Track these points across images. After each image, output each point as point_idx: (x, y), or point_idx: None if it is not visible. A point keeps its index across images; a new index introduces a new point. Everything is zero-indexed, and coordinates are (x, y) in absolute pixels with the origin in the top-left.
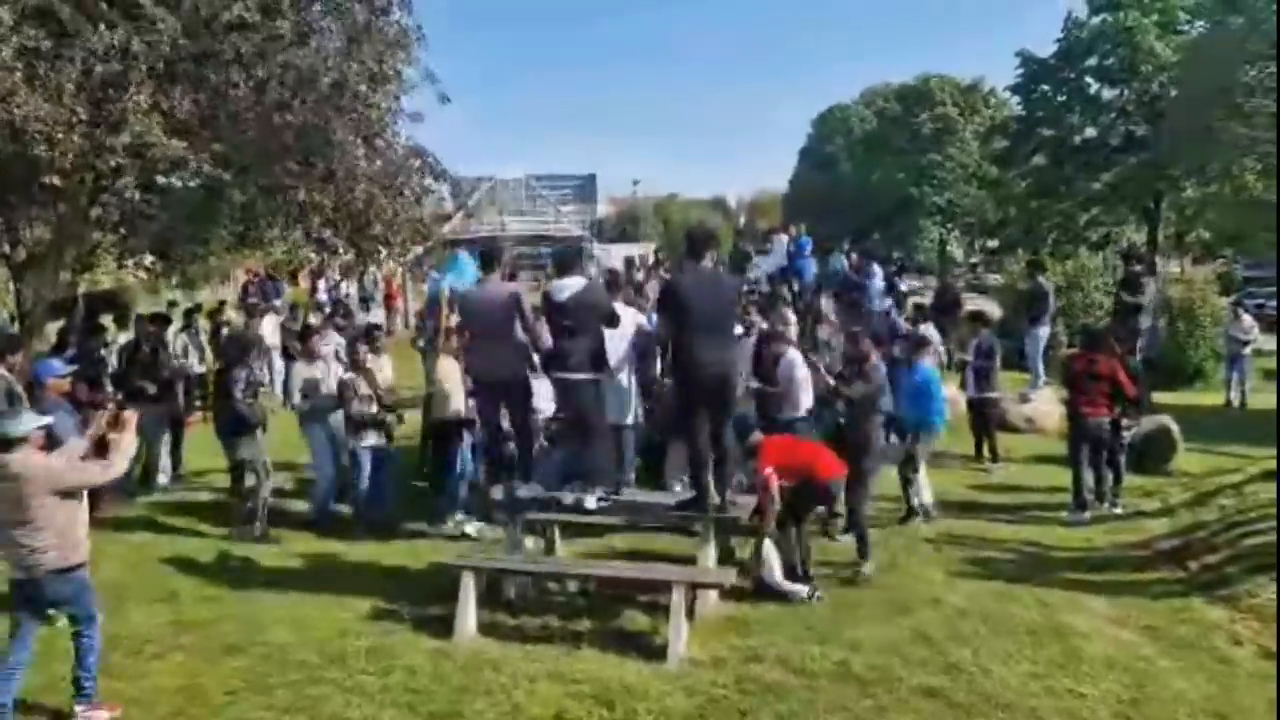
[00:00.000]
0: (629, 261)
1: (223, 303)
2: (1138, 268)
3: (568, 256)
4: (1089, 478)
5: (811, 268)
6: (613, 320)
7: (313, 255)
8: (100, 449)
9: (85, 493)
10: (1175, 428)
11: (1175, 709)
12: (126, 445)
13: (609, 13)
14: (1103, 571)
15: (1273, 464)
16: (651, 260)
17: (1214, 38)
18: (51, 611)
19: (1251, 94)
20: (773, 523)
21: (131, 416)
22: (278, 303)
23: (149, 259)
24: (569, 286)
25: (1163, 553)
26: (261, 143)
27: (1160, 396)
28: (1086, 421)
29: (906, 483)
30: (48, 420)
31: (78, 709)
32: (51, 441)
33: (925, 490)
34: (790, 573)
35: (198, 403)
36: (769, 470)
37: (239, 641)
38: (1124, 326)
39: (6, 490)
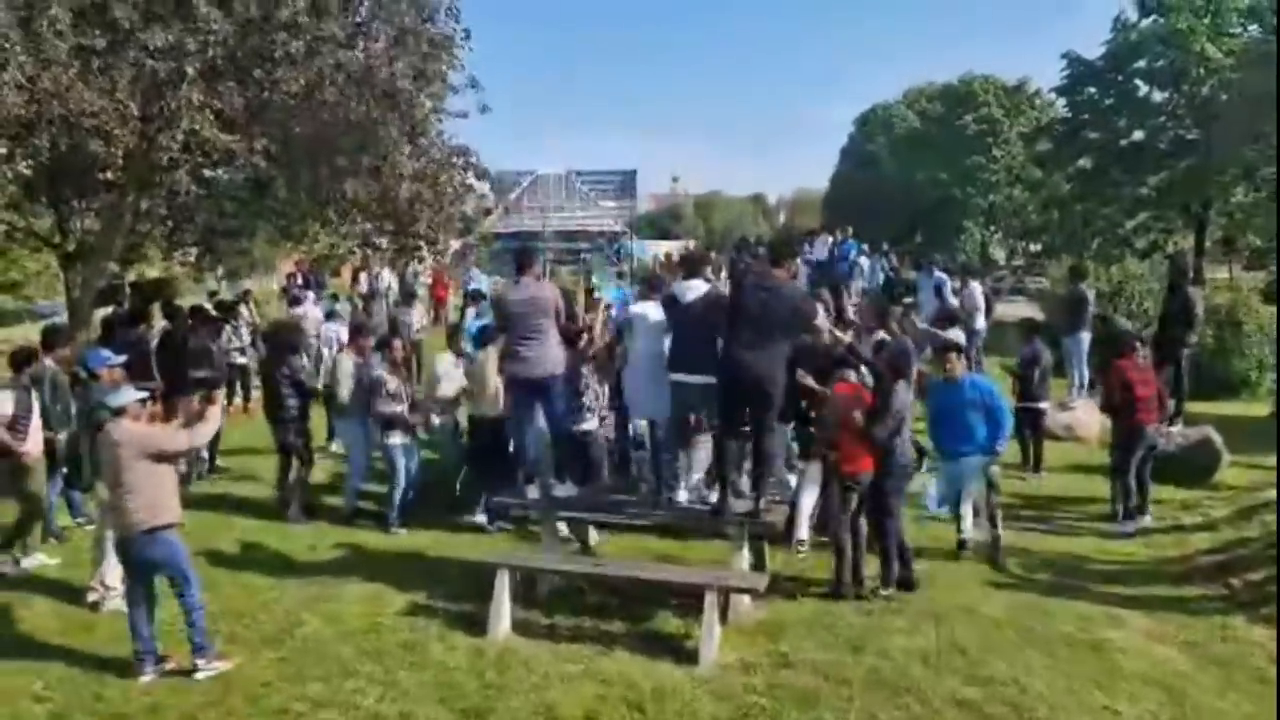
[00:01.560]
0: (669, 258)
1: (247, 292)
2: (1186, 283)
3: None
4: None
5: (854, 271)
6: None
7: (355, 250)
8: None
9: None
10: (1218, 439)
11: None
12: (212, 417)
13: (653, 12)
14: (1142, 585)
15: None
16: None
17: (1265, 42)
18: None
19: None
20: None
21: (219, 394)
22: (310, 295)
23: (194, 251)
24: (694, 289)
25: (1203, 568)
26: (309, 139)
27: (1204, 407)
28: (1145, 429)
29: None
30: (143, 394)
31: (197, 663)
32: None
33: (968, 520)
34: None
35: (238, 395)
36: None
37: (275, 633)
38: (1165, 336)
39: (109, 455)
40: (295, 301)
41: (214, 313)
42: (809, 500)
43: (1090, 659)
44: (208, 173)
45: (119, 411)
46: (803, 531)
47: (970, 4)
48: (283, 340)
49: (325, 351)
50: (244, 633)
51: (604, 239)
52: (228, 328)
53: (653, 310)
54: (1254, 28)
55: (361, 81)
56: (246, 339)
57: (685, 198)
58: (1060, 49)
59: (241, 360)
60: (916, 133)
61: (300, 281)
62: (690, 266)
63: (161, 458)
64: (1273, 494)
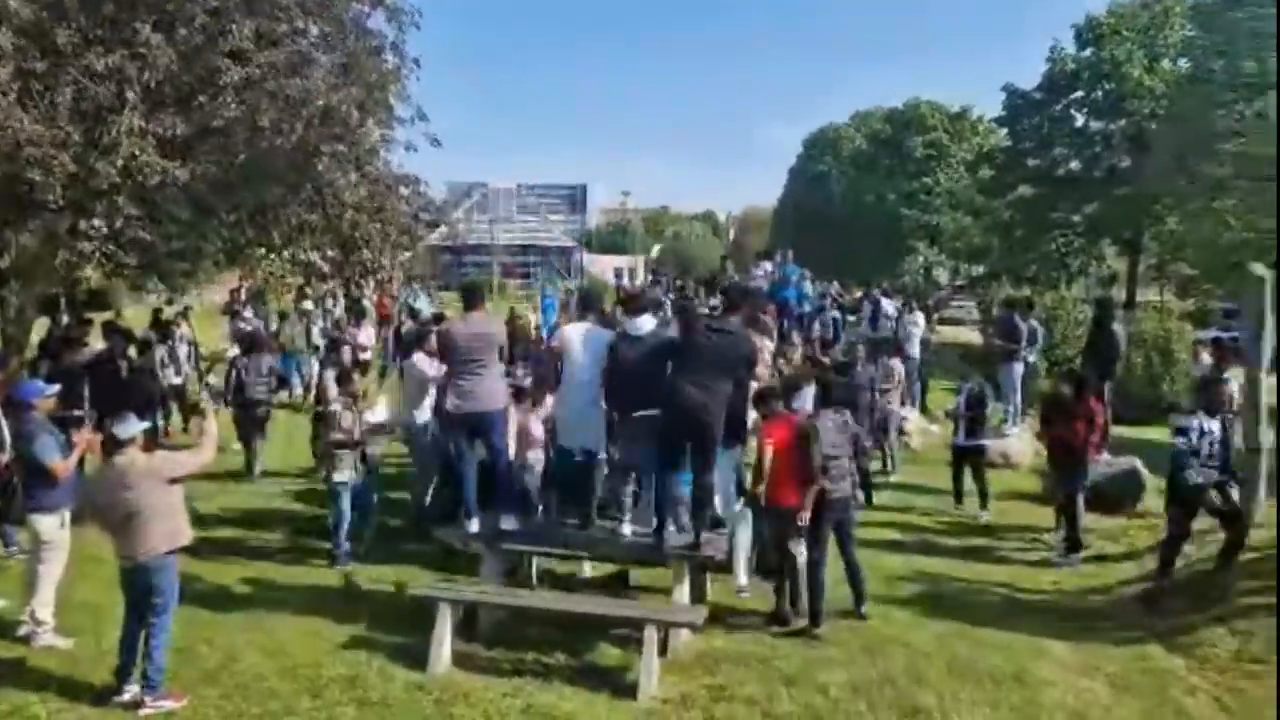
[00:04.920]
0: (618, 272)
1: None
2: (1110, 322)
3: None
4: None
5: (796, 295)
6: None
7: (298, 280)
8: None
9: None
10: (1143, 469)
11: None
12: (211, 431)
13: (606, 27)
14: (1068, 616)
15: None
16: (648, 277)
17: (1193, 84)
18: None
19: (1227, 139)
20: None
21: (209, 403)
22: (251, 310)
23: (133, 272)
24: (643, 326)
25: (1127, 599)
26: (251, 165)
27: (1133, 431)
28: (1086, 461)
29: None
30: (146, 425)
31: (145, 699)
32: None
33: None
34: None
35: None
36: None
37: (214, 669)
38: (1093, 367)
39: (117, 485)
40: (236, 316)
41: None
42: (745, 540)
43: (1015, 691)
44: (149, 196)
45: (128, 442)
46: (742, 578)
47: (920, 29)
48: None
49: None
50: (182, 669)
51: (554, 253)
52: (162, 348)
53: (586, 334)
54: (1184, 61)
55: (301, 106)
56: (184, 357)
57: (635, 213)
58: (1007, 74)
59: (177, 380)
60: (864, 155)
61: (243, 297)
62: (637, 305)
63: (176, 481)
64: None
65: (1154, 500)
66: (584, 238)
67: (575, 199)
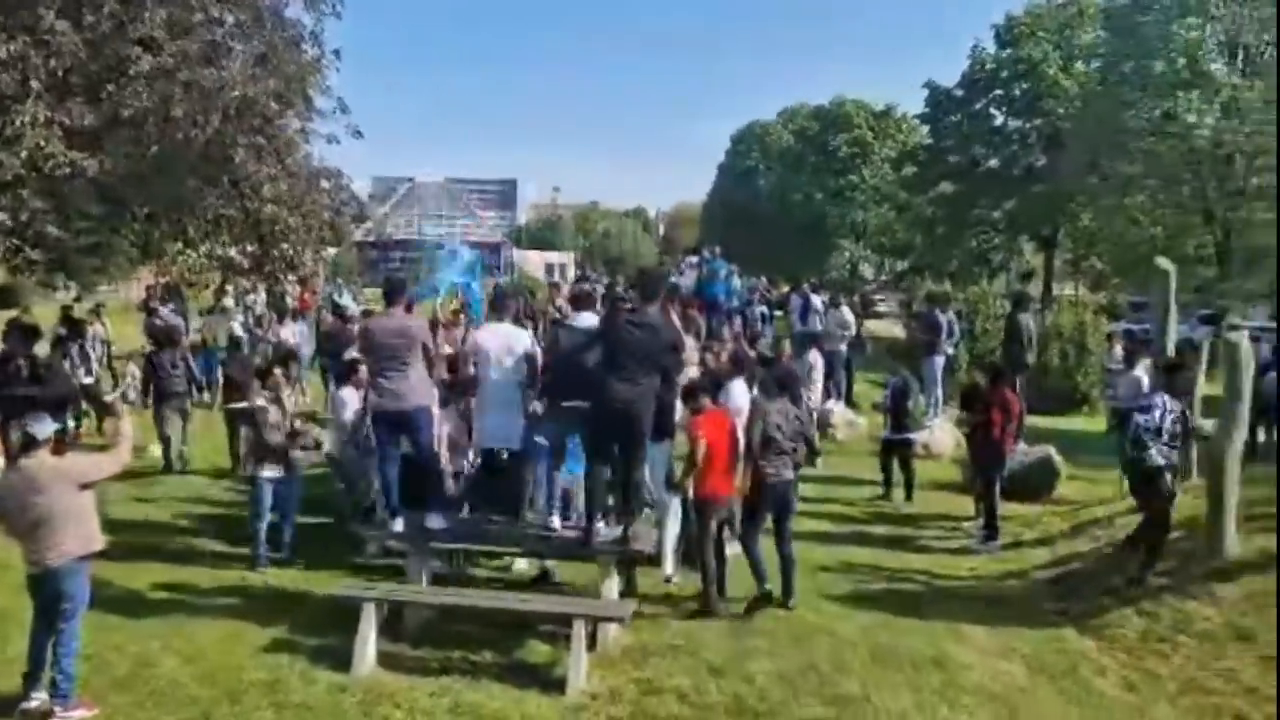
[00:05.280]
0: (549, 268)
1: (99, 306)
2: (1023, 315)
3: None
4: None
5: (724, 290)
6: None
7: (216, 278)
8: None
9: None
10: (1057, 457)
11: None
12: (126, 432)
13: (538, 23)
14: (986, 601)
15: None
16: (576, 274)
17: (1105, 85)
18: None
19: (1137, 138)
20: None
21: (119, 403)
22: (169, 308)
23: (40, 268)
24: (585, 320)
25: (1041, 583)
26: (164, 157)
27: (1047, 422)
28: (1005, 451)
29: None
30: (58, 426)
31: (55, 708)
32: None
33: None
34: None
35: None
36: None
37: (126, 675)
38: (1007, 359)
39: (25, 489)
40: (153, 313)
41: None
42: (673, 531)
43: (935, 674)
44: (56, 189)
45: (41, 443)
46: (669, 568)
47: (847, 26)
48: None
49: None
50: (94, 677)
51: (484, 249)
52: (73, 346)
53: (499, 335)
54: (1096, 62)
55: (215, 96)
56: (96, 357)
57: (566, 209)
58: (932, 71)
59: (88, 380)
60: (791, 152)
61: (160, 294)
62: (579, 302)
63: (89, 485)
64: (1101, 510)
65: (1068, 488)
66: (514, 233)
67: (506, 194)
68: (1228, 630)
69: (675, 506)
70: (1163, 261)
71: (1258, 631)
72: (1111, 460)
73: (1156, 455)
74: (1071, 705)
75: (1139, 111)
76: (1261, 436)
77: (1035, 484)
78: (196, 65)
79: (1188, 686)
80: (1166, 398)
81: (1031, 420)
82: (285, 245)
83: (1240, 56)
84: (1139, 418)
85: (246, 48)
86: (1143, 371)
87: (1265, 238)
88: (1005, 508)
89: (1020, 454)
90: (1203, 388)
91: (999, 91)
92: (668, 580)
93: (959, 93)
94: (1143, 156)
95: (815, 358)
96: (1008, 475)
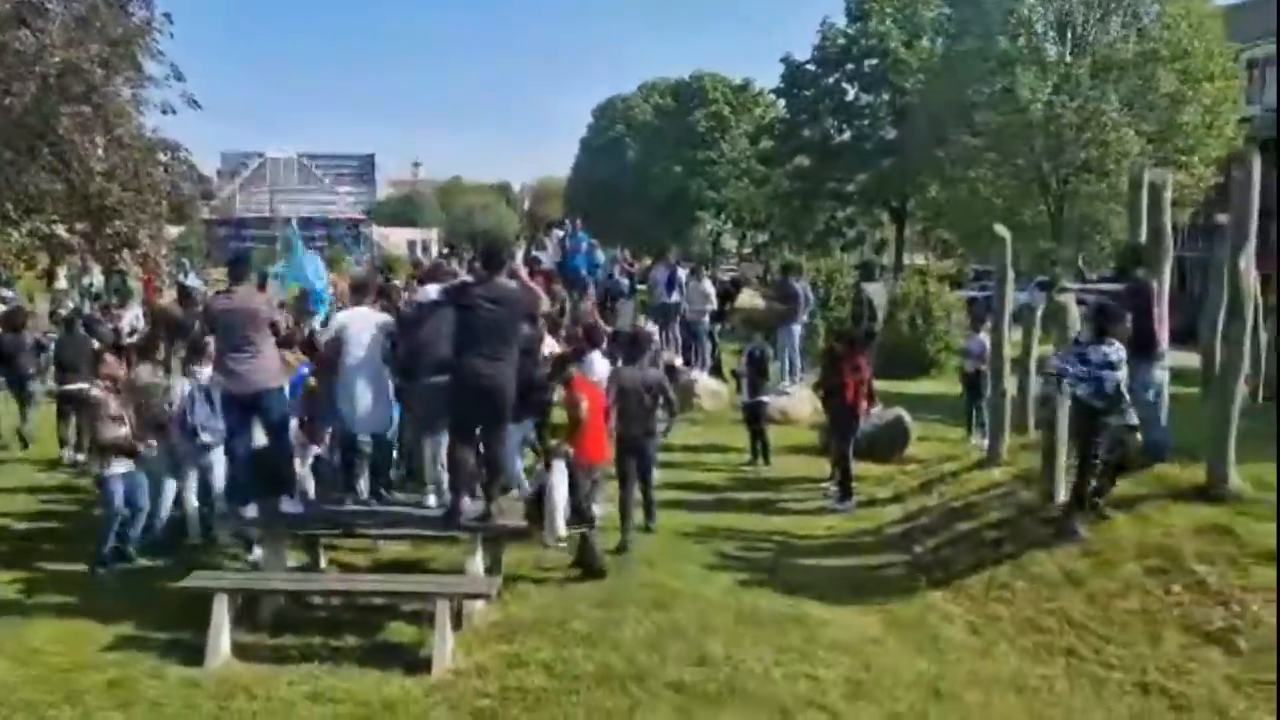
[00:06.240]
0: (412, 245)
1: None
2: (867, 285)
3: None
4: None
5: (586, 264)
6: None
7: (42, 256)
8: None
9: None
10: (908, 419)
11: (894, 685)
12: None
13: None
14: (843, 558)
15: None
16: (444, 250)
17: (947, 60)
18: None
19: (980, 112)
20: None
21: None
22: (8, 294)
23: None
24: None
25: (893, 537)
26: None
27: (898, 386)
28: (859, 414)
29: None
30: None
31: None
32: None
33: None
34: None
35: None
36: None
37: None
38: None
39: None
40: None
41: None
42: (560, 497)
43: (795, 631)
44: None
45: None
46: (560, 529)
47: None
48: None
49: None
50: None
51: (342, 225)
52: None
53: (359, 318)
54: (940, 40)
55: (34, 65)
56: None
57: (427, 184)
58: (789, 45)
59: None
60: (651, 126)
61: None
62: (429, 276)
63: None
64: (948, 466)
65: (918, 448)
66: (373, 209)
67: (363, 170)
68: (1060, 574)
69: (563, 469)
70: (999, 229)
71: (1086, 575)
72: (958, 420)
73: (1132, 415)
74: (921, 652)
75: (980, 86)
76: None
77: (887, 445)
78: (7, 26)
79: (1025, 627)
80: (1117, 346)
81: (882, 385)
82: (119, 223)
83: (1070, 34)
84: (1114, 374)
85: (66, 9)
86: (985, 335)
87: (1091, 208)
88: (859, 468)
89: (874, 417)
90: (1037, 348)
91: (850, 66)
92: (560, 543)
93: (812, 68)
94: (985, 130)
95: (650, 326)
96: (861, 437)
